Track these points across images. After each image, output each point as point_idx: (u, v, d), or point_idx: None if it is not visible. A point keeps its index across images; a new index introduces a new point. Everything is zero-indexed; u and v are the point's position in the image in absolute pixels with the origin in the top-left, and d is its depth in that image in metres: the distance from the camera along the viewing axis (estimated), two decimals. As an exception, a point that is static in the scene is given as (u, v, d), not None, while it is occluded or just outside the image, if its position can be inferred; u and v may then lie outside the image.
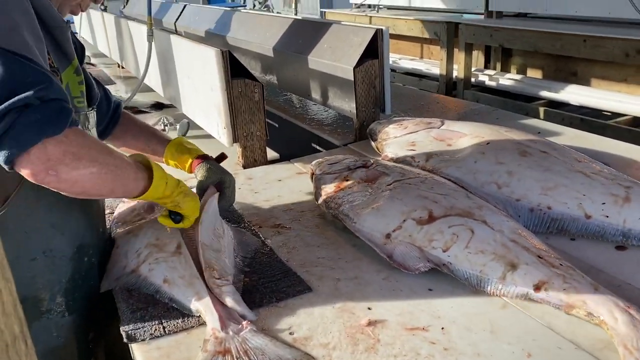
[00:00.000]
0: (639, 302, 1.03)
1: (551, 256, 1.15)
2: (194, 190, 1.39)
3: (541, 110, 4.03)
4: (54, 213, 1.15)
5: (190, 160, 1.45)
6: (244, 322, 1.04)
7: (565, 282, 1.07)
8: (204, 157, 1.46)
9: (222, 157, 1.55)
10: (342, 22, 2.30)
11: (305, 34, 2.44)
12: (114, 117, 1.51)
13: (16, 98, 0.91)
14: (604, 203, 1.30)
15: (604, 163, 1.53)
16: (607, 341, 0.96)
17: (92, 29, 4.80)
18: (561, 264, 1.12)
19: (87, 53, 4.31)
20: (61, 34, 1.14)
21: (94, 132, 1.30)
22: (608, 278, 1.15)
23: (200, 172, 1.42)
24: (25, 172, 0.96)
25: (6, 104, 0.91)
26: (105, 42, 4.15)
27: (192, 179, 1.42)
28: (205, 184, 1.40)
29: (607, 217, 1.29)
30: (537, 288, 1.07)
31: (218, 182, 1.42)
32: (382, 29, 2.02)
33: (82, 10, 1.31)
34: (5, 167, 0.95)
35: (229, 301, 1.09)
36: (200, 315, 1.09)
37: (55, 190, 1.02)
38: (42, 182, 0.98)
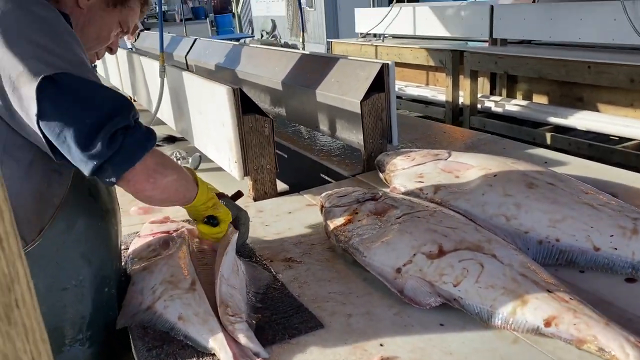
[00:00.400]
0: (650, 336, 1.03)
1: (561, 290, 1.16)
2: None
3: (548, 135, 4.05)
4: (83, 244, 1.21)
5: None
6: None
7: (576, 316, 1.07)
8: (219, 196, 1.51)
9: (239, 194, 1.62)
10: (349, 57, 2.36)
11: (312, 68, 2.50)
12: None
13: (117, 119, 1.04)
14: (612, 235, 1.32)
15: (611, 193, 1.54)
16: (619, 376, 0.97)
17: (104, 62, 4.91)
18: (571, 298, 1.13)
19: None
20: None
21: None
22: (618, 311, 1.15)
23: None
24: (130, 184, 1.11)
25: (111, 124, 1.03)
26: (117, 76, 4.24)
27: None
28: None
29: (616, 249, 1.30)
30: (547, 323, 1.08)
31: (234, 219, 1.47)
32: (387, 64, 2.07)
33: (98, 58, 1.39)
34: (110, 181, 1.09)
35: (242, 339, 1.10)
36: (205, 352, 1.11)
37: (143, 200, 1.19)
38: (143, 190, 1.15)
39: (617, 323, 1.06)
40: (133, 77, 3.60)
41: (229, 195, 1.56)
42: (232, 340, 1.11)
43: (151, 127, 2.41)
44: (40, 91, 1.00)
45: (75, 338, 1.21)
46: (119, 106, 1.07)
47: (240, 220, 1.53)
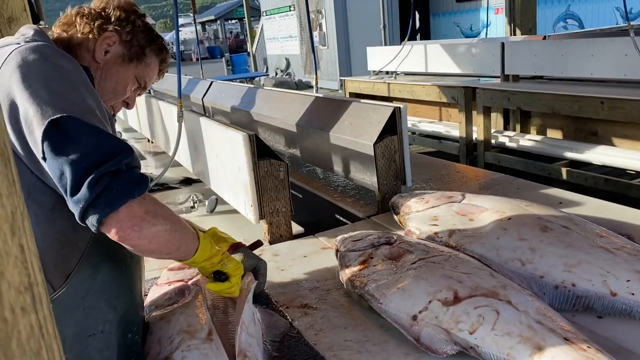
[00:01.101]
0: (672, 386, 1.02)
1: (579, 338, 1.15)
2: None
3: (564, 170, 4.04)
4: (108, 289, 1.22)
5: (225, 249, 1.54)
6: None
7: (594, 366, 1.07)
8: (237, 246, 1.54)
9: (258, 244, 1.65)
10: (362, 101, 2.40)
11: (326, 111, 2.55)
12: None
13: (109, 164, 1.05)
14: (628, 280, 1.31)
15: (627, 235, 1.54)
16: None
17: (123, 105, 5.04)
18: (589, 347, 1.12)
19: (118, 129, 4.47)
20: (113, 126, 1.26)
21: None
22: (638, 359, 1.14)
23: (238, 257, 1.51)
24: (113, 229, 1.09)
25: (101, 169, 1.04)
26: (136, 117, 4.36)
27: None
28: (247, 268, 1.50)
29: (633, 294, 1.29)
30: (565, 373, 1.07)
31: (254, 268, 1.49)
32: (400, 107, 2.11)
33: (115, 112, 1.43)
34: (94, 226, 1.07)
35: None
36: None
37: (130, 249, 1.14)
38: (126, 238, 1.10)
39: (637, 372, 1.05)
40: (151, 120, 3.70)
41: (248, 244, 1.59)
42: None
43: (166, 169, 2.43)
44: (45, 133, 1.04)
45: None
46: (115, 151, 1.07)
47: (259, 271, 1.56)
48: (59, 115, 1.04)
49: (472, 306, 1.26)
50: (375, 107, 2.23)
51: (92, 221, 1.06)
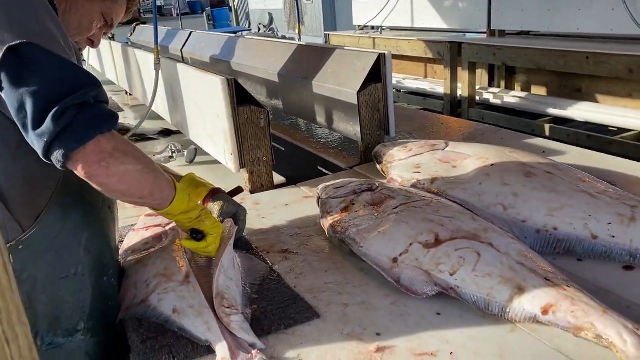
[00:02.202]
0: (649, 324, 1.03)
1: (558, 278, 1.15)
2: None
3: (547, 127, 4.03)
4: (80, 231, 1.19)
5: (204, 194, 1.50)
6: (254, 352, 1.05)
7: (573, 304, 1.06)
8: (216, 192, 1.50)
9: (238, 190, 1.60)
10: (345, 47, 2.34)
11: (309, 59, 2.48)
12: None
13: (75, 95, 0.98)
14: (610, 223, 1.31)
15: (610, 182, 1.53)
16: (617, 364, 0.96)
17: (100, 57, 4.89)
18: (568, 286, 1.12)
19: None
20: (79, 61, 1.18)
21: None
22: (616, 299, 1.15)
23: (216, 206, 1.48)
24: (79, 165, 1.03)
25: (66, 100, 0.97)
26: (113, 70, 4.22)
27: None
28: (222, 217, 1.46)
29: (614, 237, 1.29)
30: (544, 311, 1.07)
31: (233, 214, 1.47)
32: (384, 54, 2.05)
33: (80, 51, 1.34)
34: (59, 162, 1.01)
35: (238, 331, 1.09)
36: (200, 344, 1.10)
37: (99, 189, 1.08)
38: (92, 174, 1.04)
39: (615, 311, 1.05)
40: (128, 71, 3.58)
41: (228, 191, 1.55)
42: (227, 332, 1.10)
43: (144, 118, 2.37)
44: (2, 61, 0.96)
45: (76, 328, 1.19)
46: (82, 83, 1.00)
47: (239, 217, 1.53)
48: (18, 42, 0.96)
49: (453, 248, 1.25)
50: (359, 54, 2.17)
51: (57, 156, 1.00)
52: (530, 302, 1.09)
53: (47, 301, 1.15)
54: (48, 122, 0.97)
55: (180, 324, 1.15)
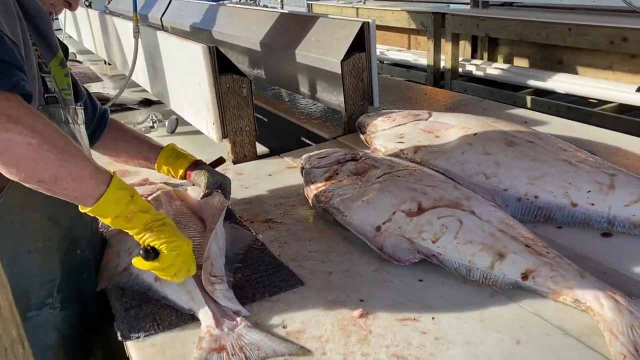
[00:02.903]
0: (625, 288, 1.05)
1: (538, 245, 1.17)
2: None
3: (528, 98, 4.06)
4: (49, 204, 1.13)
5: (186, 165, 1.48)
6: (238, 319, 1.05)
7: (553, 270, 1.09)
8: (198, 163, 1.49)
9: (220, 161, 1.59)
10: (329, 15, 2.31)
11: (292, 28, 2.44)
12: (100, 123, 1.49)
13: None
14: (589, 191, 1.33)
15: (590, 151, 1.55)
16: (594, 327, 0.99)
17: (77, 25, 4.76)
18: (548, 252, 1.14)
19: (72, 50, 4.21)
20: (45, 25, 1.13)
21: (83, 130, 1.27)
22: (594, 265, 1.17)
23: (201, 177, 1.46)
24: None
25: None
26: (90, 38, 4.11)
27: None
28: (212, 185, 1.45)
29: (593, 204, 1.31)
30: (524, 276, 1.09)
31: (219, 186, 1.46)
32: (368, 22, 2.03)
33: (56, 14, 1.29)
34: None
35: (222, 299, 1.10)
36: (183, 312, 1.10)
37: None
38: None
39: (593, 276, 1.07)
40: (107, 40, 3.49)
41: (209, 162, 1.54)
42: (211, 300, 1.11)
43: (124, 88, 2.30)
44: None
45: (44, 302, 1.16)
46: None
47: (225, 188, 1.51)
48: None
49: (435, 216, 1.26)
50: (343, 22, 2.14)
51: None
52: (510, 268, 1.11)
53: (12, 275, 1.10)
54: None
55: (162, 292, 1.14)
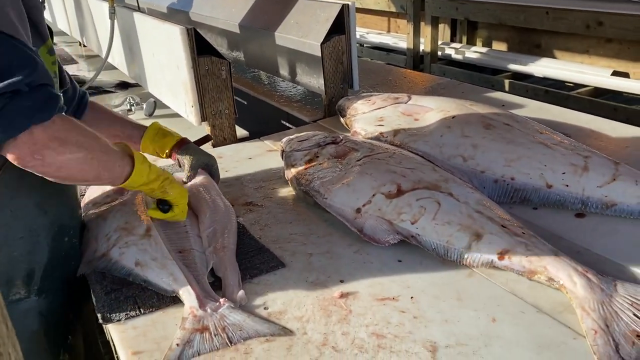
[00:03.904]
0: (597, 266, 1.08)
1: (514, 225, 1.19)
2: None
3: (506, 82, 4.09)
4: (37, 192, 1.15)
5: (171, 144, 1.46)
6: (221, 300, 1.06)
7: (528, 249, 1.11)
8: (184, 141, 1.47)
9: (207, 139, 1.57)
10: (309, -2, 2.29)
11: (271, 10, 2.42)
12: (80, 105, 1.46)
13: (6, 83, 0.92)
14: (564, 173, 1.36)
15: (565, 134, 1.58)
16: (567, 304, 1.02)
17: (50, 5, 4.63)
18: (524, 233, 1.17)
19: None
20: (39, 14, 1.12)
21: None
22: (568, 244, 1.20)
23: (187, 156, 1.44)
24: (11, 157, 0.99)
25: None
26: (65, 19, 4.02)
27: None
28: (196, 167, 1.44)
29: (567, 186, 1.34)
30: (500, 256, 1.12)
31: (205, 166, 1.46)
32: (348, 5, 2.02)
33: None
34: None
35: (232, 276, 1.13)
36: (175, 294, 1.10)
37: (40, 175, 1.04)
38: (27, 166, 1.01)
39: (567, 255, 1.10)
40: (81, 21, 3.41)
41: (195, 140, 1.52)
42: (194, 281, 1.11)
43: (99, 71, 2.27)
44: None
45: (31, 289, 1.17)
46: (16, 65, 0.93)
47: (212, 167, 1.50)
48: None
49: (414, 198, 1.27)
50: (322, 4, 2.13)
51: None
52: (487, 248, 1.14)
53: (1, 262, 1.12)
54: None
55: (144, 276, 1.14)
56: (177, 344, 0.97)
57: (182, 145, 1.47)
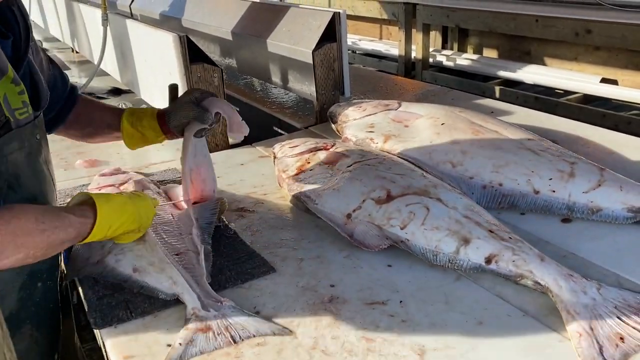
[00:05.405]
0: (582, 270, 1.11)
1: (502, 230, 1.21)
2: None
3: (497, 89, 4.14)
4: (11, 198, 1.08)
5: (154, 122, 1.40)
6: (223, 300, 1.07)
7: (514, 254, 1.13)
8: (164, 111, 1.41)
9: (174, 90, 1.49)
10: (300, 5, 2.31)
11: (263, 17, 2.44)
12: (68, 101, 1.41)
13: None
14: (550, 179, 1.38)
15: (553, 140, 1.61)
16: (552, 307, 1.03)
17: (42, 12, 4.64)
18: (510, 237, 1.19)
19: (38, 37, 4.09)
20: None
21: (45, 139, 1.20)
22: (554, 249, 1.22)
23: (177, 117, 1.38)
24: None
25: None
26: (57, 26, 4.02)
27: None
28: (192, 129, 1.37)
29: (554, 192, 1.36)
30: (488, 260, 1.14)
31: (196, 117, 1.37)
32: (339, 12, 2.05)
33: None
34: None
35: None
36: (167, 298, 1.11)
37: None
38: None
39: (553, 259, 1.12)
40: (74, 27, 3.42)
41: (169, 100, 1.46)
42: (194, 282, 1.12)
43: (92, 78, 2.25)
44: None
45: (18, 297, 1.13)
46: None
47: (204, 117, 1.37)
48: None
49: (403, 204, 1.29)
50: (314, 12, 2.16)
51: None
52: (474, 253, 1.16)
53: None
54: None
55: (142, 281, 1.14)
56: (180, 343, 0.98)
57: (163, 117, 1.40)
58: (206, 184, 1.44)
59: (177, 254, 1.22)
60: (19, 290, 1.13)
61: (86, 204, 1.09)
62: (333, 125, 2.04)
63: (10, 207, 0.99)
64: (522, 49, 4.30)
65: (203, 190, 1.44)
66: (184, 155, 1.40)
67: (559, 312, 1.01)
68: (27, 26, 1.17)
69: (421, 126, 1.71)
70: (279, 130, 2.36)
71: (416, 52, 4.79)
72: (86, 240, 1.08)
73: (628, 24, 3.29)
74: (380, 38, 5.67)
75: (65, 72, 1.48)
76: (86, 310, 1.11)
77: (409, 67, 4.93)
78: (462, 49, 4.81)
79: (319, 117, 2.22)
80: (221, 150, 2.02)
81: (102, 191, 1.51)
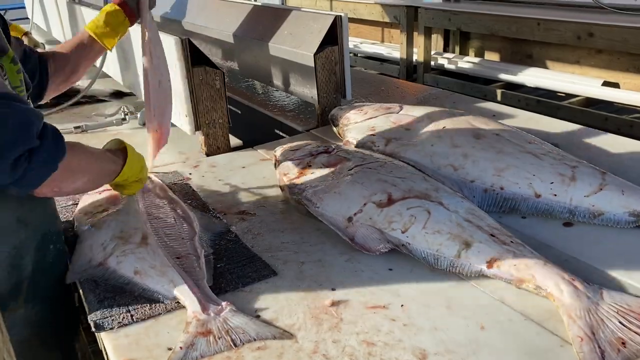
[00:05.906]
0: (583, 275, 1.10)
1: (503, 234, 1.21)
2: None
3: (499, 92, 4.13)
4: (19, 207, 1.15)
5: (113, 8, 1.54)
6: (224, 303, 1.08)
7: (516, 258, 1.13)
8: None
9: None
10: (302, 9, 2.32)
11: (265, 20, 2.44)
12: (41, 64, 1.46)
13: (20, 146, 0.96)
14: (552, 182, 1.38)
15: (554, 144, 1.60)
16: (554, 311, 1.03)
17: (45, 15, 4.65)
18: (512, 241, 1.18)
19: (41, 40, 4.09)
20: None
21: None
22: (556, 253, 1.22)
23: None
24: (35, 194, 1.06)
25: (10, 152, 0.95)
26: (60, 29, 4.03)
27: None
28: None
29: (555, 195, 1.36)
30: (489, 264, 1.14)
31: None
32: (340, 16, 2.05)
33: None
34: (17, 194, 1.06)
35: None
36: (167, 302, 1.11)
37: None
38: (47, 197, 1.15)
39: (555, 264, 1.12)
40: (76, 30, 3.43)
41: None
42: (194, 285, 1.12)
43: (94, 80, 2.28)
44: None
45: (18, 301, 1.16)
46: (21, 127, 0.97)
47: None
48: None
49: (405, 207, 1.29)
50: (315, 15, 2.16)
51: (13, 192, 1.03)
52: (476, 257, 1.15)
53: None
54: (3, 174, 0.96)
55: (143, 284, 1.15)
56: (181, 347, 0.98)
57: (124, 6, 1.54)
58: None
59: (178, 258, 1.22)
60: (35, 252, 1.20)
61: (117, 149, 1.28)
62: (334, 128, 2.04)
63: (71, 143, 1.10)
64: (524, 52, 4.30)
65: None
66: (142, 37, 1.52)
67: (561, 316, 1.01)
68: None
69: (422, 129, 1.71)
70: (281, 133, 2.37)
71: (418, 55, 4.79)
72: (116, 180, 1.25)
73: (630, 27, 3.29)
74: (382, 41, 5.67)
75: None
76: (87, 313, 1.11)
77: (410, 70, 4.93)
78: (463, 52, 4.81)
79: (320, 120, 2.22)
80: (223, 153, 2.02)
81: (103, 195, 1.51)
